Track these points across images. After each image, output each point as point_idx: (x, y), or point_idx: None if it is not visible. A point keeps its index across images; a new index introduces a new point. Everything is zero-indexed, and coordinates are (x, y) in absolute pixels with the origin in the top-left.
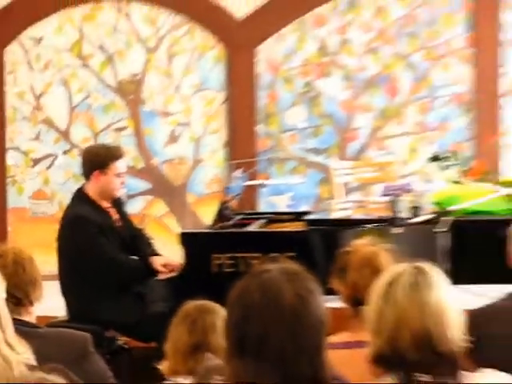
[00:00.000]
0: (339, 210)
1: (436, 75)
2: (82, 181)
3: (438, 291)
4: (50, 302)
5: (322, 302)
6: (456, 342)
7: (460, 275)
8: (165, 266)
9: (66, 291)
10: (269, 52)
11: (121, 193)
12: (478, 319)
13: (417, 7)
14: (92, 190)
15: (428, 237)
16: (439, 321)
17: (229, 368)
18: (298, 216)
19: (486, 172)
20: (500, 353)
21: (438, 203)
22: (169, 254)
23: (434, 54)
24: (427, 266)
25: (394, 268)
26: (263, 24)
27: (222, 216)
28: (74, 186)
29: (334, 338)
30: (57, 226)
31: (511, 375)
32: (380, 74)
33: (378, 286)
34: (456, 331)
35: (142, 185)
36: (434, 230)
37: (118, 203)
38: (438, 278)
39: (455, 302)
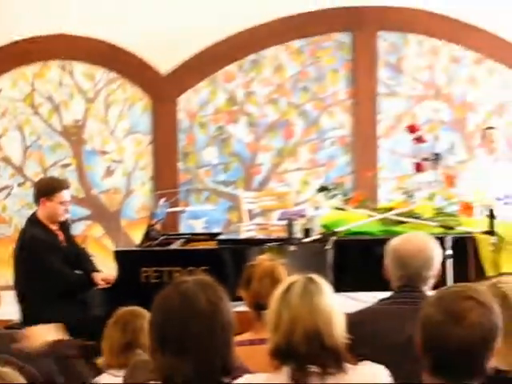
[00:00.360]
0: (245, 231)
1: (324, 121)
2: (34, 208)
3: (326, 296)
4: (6, 308)
5: (230, 307)
6: (340, 339)
7: (343, 284)
8: (103, 280)
9: (21, 299)
10: (187, 102)
11: (65, 218)
12: (355, 320)
13: (308, 65)
14: (41, 214)
15: (318, 253)
16: (328, 320)
17: (153, 363)
18: (211, 236)
19: (364, 200)
20: (372, 348)
21: (325, 226)
22: (106, 268)
23: (322, 104)
24: (316, 277)
25: (289, 278)
26: (183, 79)
27: (149, 237)
28: (27, 212)
29: (240, 337)
30: (13, 246)
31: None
32: (278, 120)
33: (276, 293)
34: (340, 330)
35: (83, 211)
36: (323, 247)
37: (64, 226)
38: (325, 286)
39: (339, 306)
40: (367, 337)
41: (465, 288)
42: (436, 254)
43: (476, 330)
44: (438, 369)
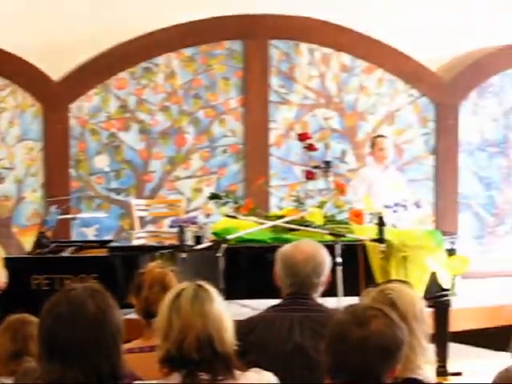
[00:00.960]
0: (137, 238)
1: (215, 129)
2: None
3: (216, 303)
4: None
5: (119, 314)
6: (230, 346)
7: (235, 291)
8: None
9: None
10: (79, 109)
11: None
12: (245, 328)
13: (200, 73)
14: None
15: (209, 260)
16: (219, 327)
17: (40, 369)
18: (102, 244)
19: (255, 208)
20: (261, 355)
21: (216, 233)
22: None
23: (214, 112)
24: (206, 284)
25: (179, 285)
26: (75, 86)
27: (39, 244)
28: None
29: (130, 344)
30: None
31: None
32: (170, 127)
33: (166, 300)
34: (230, 336)
35: None
36: (214, 255)
37: None
38: (214, 292)
39: (229, 313)
40: (256, 344)
41: (379, 305)
42: (325, 261)
43: (375, 336)
44: (336, 369)
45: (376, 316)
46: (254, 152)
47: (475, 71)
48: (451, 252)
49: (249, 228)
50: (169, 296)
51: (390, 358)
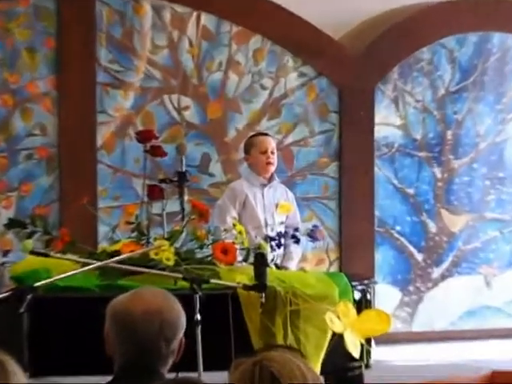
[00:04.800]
0: None
1: (15, 124)
2: None
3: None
4: None
5: None
6: None
7: (44, 365)
8: None
9: None
10: None
11: None
12: None
13: None
14: None
15: (8, 319)
16: None
17: None
18: None
19: (74, 241)
20: None
21: (18, 278)
22: None
23: (13, 99)
24: (1, 355)
25: None
26: None
27: None
28: None
29: None
30: None
31: None
32: None
33: None
34: None
35: None
36: (15, 311)
37: None
38: (14, 368)
39: None
40: None
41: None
42: (178, 318)
43: None
44: None
45: None
46: (74, 158)
47: (396, 40)
48: (364, 305)
49: (66, 271)
50: None
51: None
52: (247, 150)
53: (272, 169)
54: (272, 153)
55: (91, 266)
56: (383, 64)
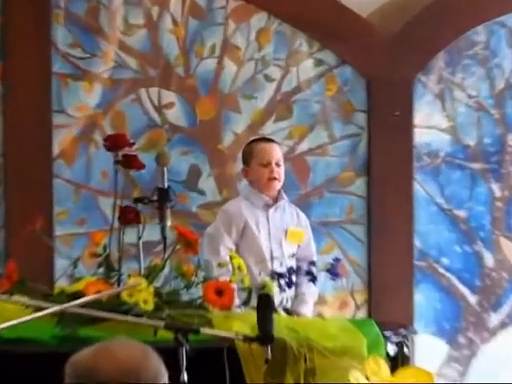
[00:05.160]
0: None
1: None
2: None
3: None
4: None
5: None
6: None
7: None
8: None
9: None
10: None
11: None
12: None
13: None
14: None
15: None
16: None
17: None
18: None
19: (23, 280)
20: None
21: None
22: None
23: None
24: None
25: None
26: None
27: None
28: None
29: None
30: None
31: None
32: None
33: None
34: None
35: None
36: None
37: None
38: None
39: None
40: None
41: None
42: (158, 379)
43: None
44: None
45: None
46: (23, 171)
47: (441, 18)
48: (401, 361)
49: (12, 318)
50: None
51: None
52: (246, 161)
53: (277, 185)
54: (277, 165)
55: (46, 312)
56: (424, 49)
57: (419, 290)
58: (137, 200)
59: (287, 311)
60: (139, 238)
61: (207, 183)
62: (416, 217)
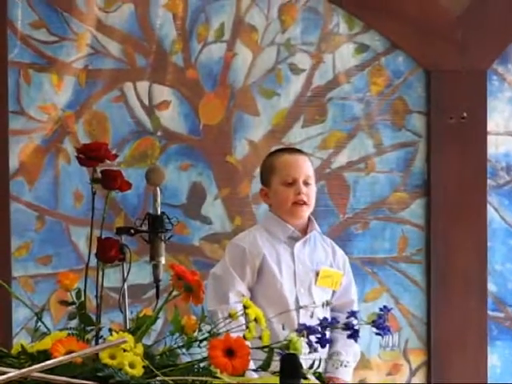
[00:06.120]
0: None
1: None
2: None
3: None
4: None
5: None
6: None
7: None
8: None
9: None
10: None
11: None
12: None
13: None
14: None
15: None
16: None
17: None
18: None
19: None
20: None
21: None
22: None
23: None
24: None
25: None
26: None
27: None
28: None
29: None
30: None
31: None
32: None
33: None
34: None
35: None
36: None
37: None
38: None
39: None
40: None
41: None
42: None
43: None
44: None
45: None
46: None
47: None
48: None
49: None
50: None
51: None
52: (265, 179)
53: (305, 211)
54: (306, 184)
55: (1, 378)
56: (502, 31)
57: (494, 349)
58: (120, 230)
59: (319, 377)
60: (124, 280)
61: (214, 208)
62: (491, 253)
